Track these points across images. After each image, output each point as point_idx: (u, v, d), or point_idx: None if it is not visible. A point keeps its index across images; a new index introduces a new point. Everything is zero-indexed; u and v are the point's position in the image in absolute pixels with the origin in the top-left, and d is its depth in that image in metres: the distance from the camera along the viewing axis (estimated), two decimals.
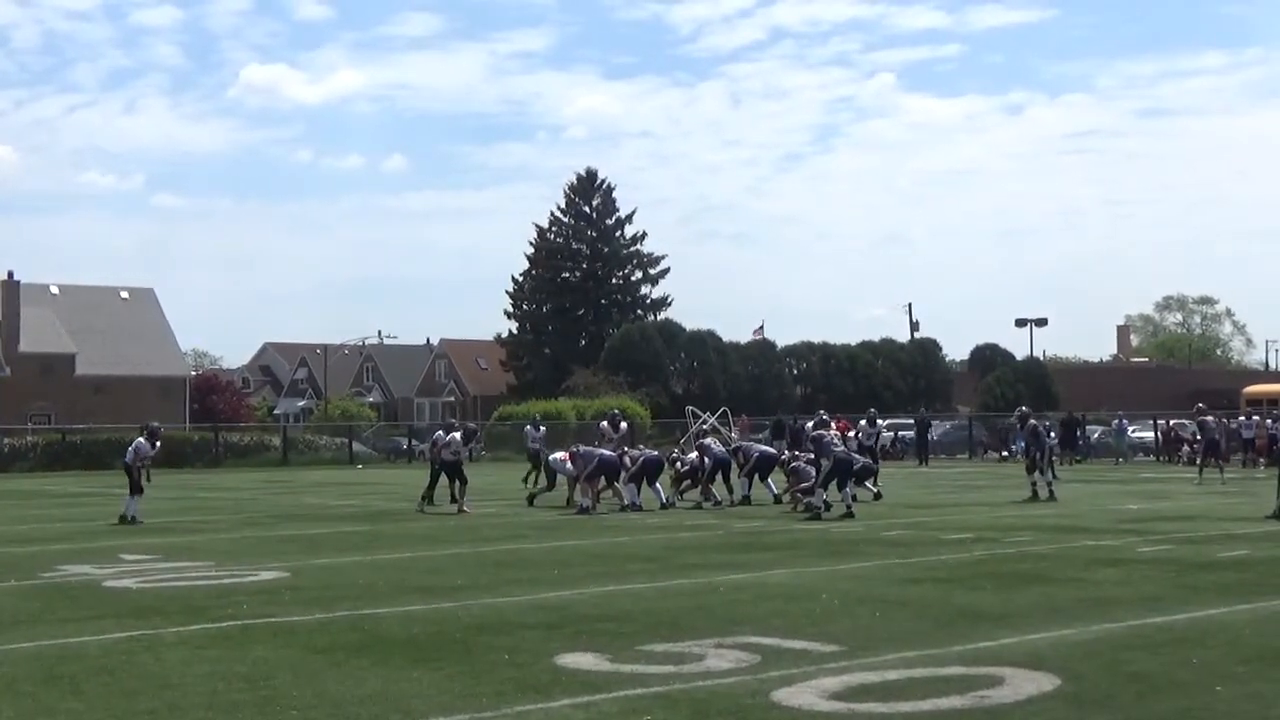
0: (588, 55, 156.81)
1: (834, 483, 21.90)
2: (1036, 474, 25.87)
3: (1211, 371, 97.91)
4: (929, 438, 51.31)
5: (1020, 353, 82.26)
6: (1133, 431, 51.93)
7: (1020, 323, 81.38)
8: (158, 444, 24.10)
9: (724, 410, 56.66)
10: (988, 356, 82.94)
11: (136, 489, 22.74)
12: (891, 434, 51.73)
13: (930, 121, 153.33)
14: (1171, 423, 49.75)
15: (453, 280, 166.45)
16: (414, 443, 66.36)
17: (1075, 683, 7.83)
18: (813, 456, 22.82)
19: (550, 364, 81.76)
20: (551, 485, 25.79)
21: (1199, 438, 34.77)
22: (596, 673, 8.30)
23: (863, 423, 30.82)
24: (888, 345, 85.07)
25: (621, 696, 7.59)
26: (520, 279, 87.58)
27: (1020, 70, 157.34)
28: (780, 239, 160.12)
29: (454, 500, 24.21)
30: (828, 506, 21.64)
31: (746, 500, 24.59)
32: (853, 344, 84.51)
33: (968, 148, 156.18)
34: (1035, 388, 73.31)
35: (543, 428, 34.27)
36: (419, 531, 20.39)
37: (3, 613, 11.46)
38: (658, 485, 24.74)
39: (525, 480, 30.63)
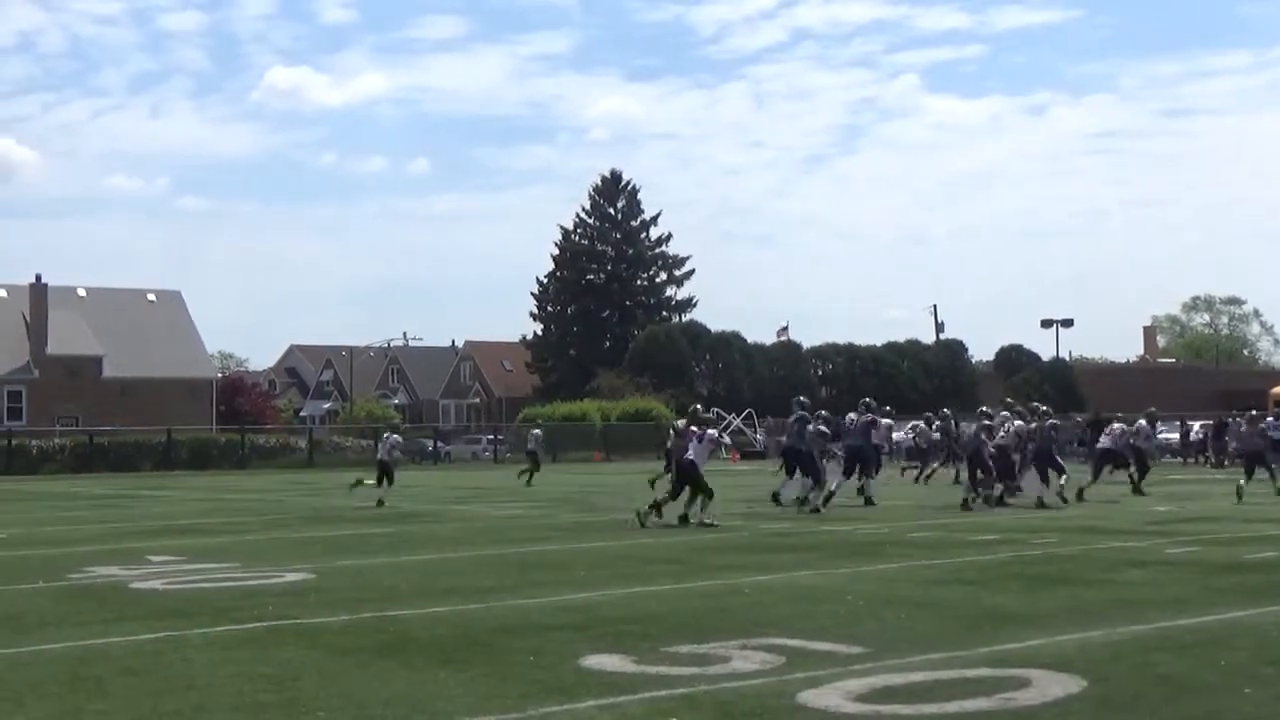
0: (610, 57, 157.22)
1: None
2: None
3: (1239, 372, 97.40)
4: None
5: (1046, 354, 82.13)
6: (1160, 434, 51.72)
7: (1046, 323, 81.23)
8: None
9: (749, 412, 56.63)
10: (1013, 358, 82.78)
11: (389, 480, 26.67)
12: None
13: (953, 122, 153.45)
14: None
15: (477, 282, 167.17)
16: (439, 444, 66.56)
17: (1102, 685, 7.79)
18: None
19: (575, 365, 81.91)
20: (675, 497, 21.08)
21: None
22: (621, 674, 8.29)
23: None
24: (913, 346, 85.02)
25: (646, 698, 7.58)
26: (545, 281, 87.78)
27: (1043, 71, 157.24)
28: (804, 240, 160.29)
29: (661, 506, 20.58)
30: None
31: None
32: (878, 345, 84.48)
33: (991, 148, 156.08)
34: (1061, 388, 73.19)
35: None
36: (444, 533, 20.43)
37: (30, 614, 11.51)
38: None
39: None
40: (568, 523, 21.89)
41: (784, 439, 25.17)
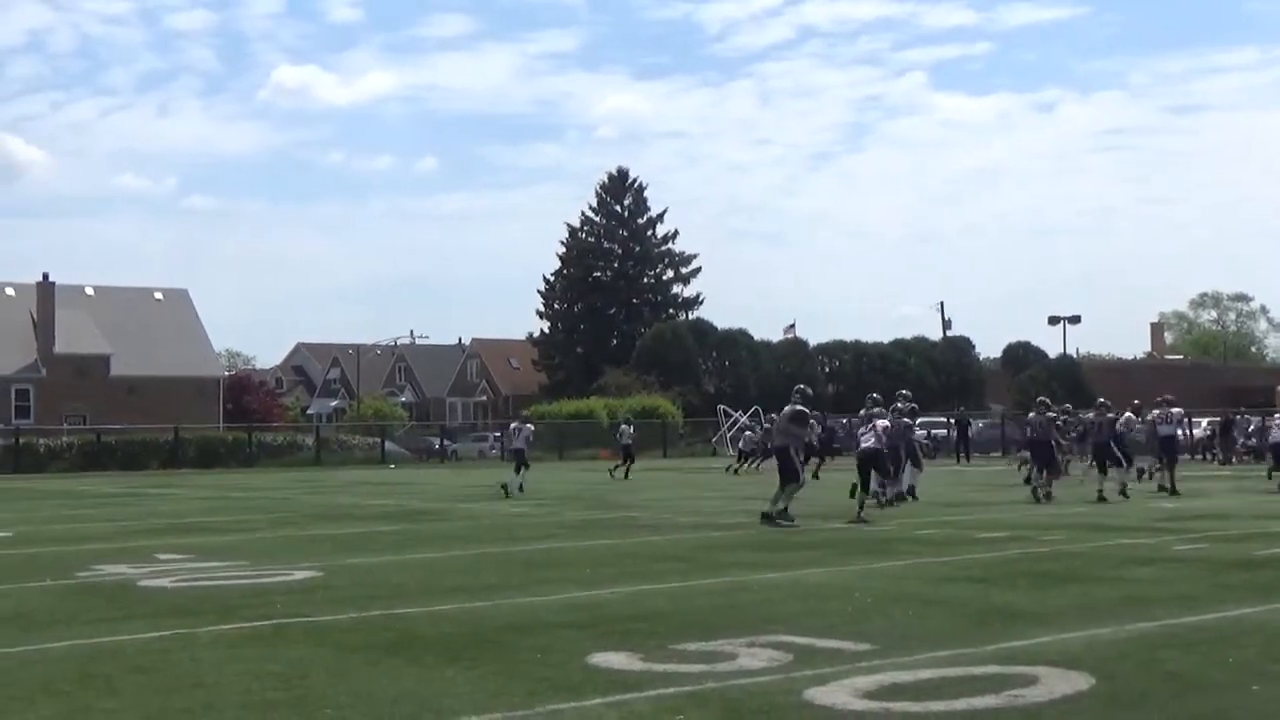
0: (617, 55, 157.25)
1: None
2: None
3: (1246, 369, 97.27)
4: (969, 436, 51.31)
5: (1053, 350, 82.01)
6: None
7: (1053, 320, 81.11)
8: None
9: (756, 409, 56.59)
10: (1020, 355, 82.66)
11: (524, 465, 29.80)
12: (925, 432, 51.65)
13: (961, 120, 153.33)
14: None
15: (484, 280, 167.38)
16: (445, 442, 66.55)
17: (1110, 682, 7.78)
18: None
19: (582, 363, 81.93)
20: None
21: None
22: (629, 672, 8.29)
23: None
24: (920, 343, 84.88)
25: (654, 695, 7.58)
26: (552, 278, 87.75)
27: (1051, 68, 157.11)
28: (811, 238, 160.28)
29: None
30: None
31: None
32: (885, 342, 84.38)
33: (999, 146, 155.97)
34: (1068, 385, 73.05)
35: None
36: (452, 531, 20.44)
37: (39, 612, 11.53)
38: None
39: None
40: (574, 520, 21.90)
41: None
